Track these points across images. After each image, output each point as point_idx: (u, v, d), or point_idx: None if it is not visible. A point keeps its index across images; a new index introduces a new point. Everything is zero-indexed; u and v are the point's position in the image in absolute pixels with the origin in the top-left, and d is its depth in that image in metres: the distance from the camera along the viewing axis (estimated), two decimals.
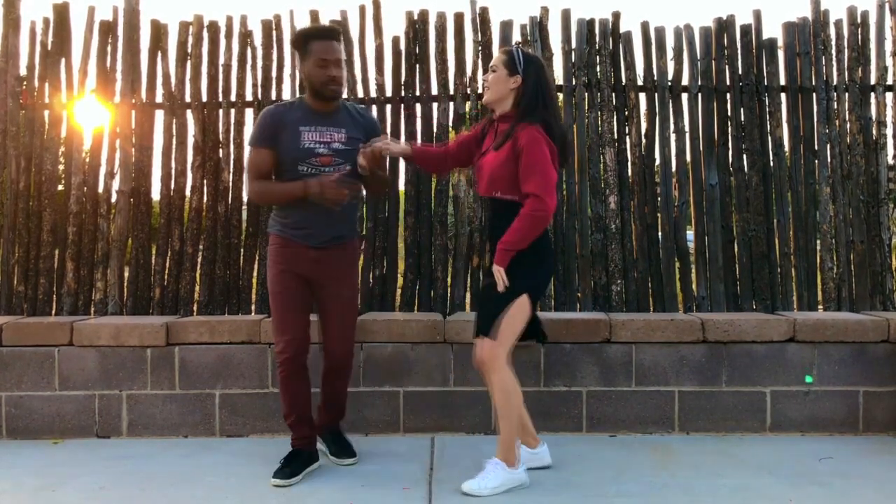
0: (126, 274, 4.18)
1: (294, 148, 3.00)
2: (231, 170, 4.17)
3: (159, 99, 4.23)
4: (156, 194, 4.24)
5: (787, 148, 4.20)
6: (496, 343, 2.84)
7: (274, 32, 4.20)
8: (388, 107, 4.16)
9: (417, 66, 4.18)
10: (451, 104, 4.17)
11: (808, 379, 3.60)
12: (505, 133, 2.87)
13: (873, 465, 3.15)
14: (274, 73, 4.19)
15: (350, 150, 3.05)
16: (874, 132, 4.17)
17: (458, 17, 4.16)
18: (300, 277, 3.06)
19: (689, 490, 2.86)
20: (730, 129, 4.17)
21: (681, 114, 4.17)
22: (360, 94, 4.17)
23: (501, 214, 2.88)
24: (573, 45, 4.19)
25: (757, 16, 4.22)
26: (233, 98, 4.20)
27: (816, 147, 4.15)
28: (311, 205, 2.96)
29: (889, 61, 4.22)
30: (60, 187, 4.28)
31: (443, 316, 3.80)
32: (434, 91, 4.17)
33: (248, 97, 4.20)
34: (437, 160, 3.18)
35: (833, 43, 4.19)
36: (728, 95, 4.18)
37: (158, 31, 4.23)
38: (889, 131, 4.20)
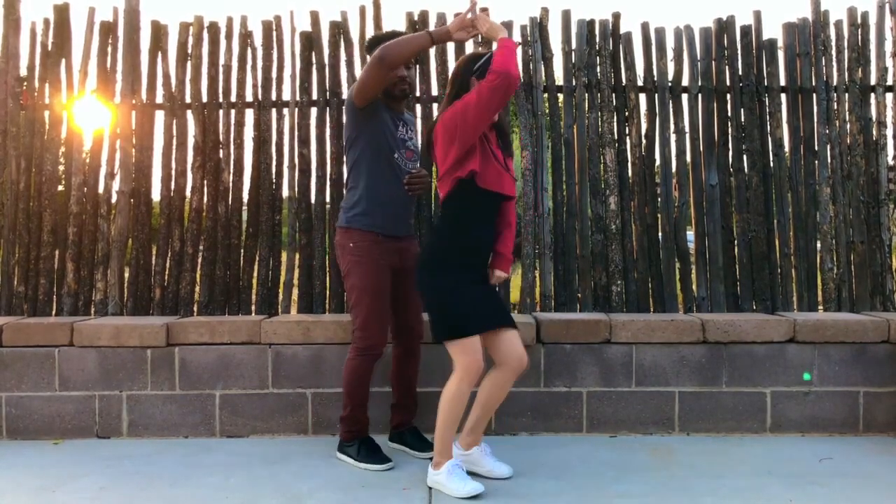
0: (126, 274, 4.18)
1: (391, 133, 3.17)
2: (231, 170, 4.17)
3: (159, 99, 4.23)
4: (156, 195, 4.24)
5: (787, 148, 4.20)
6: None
7: (274, 33, 4.20)
8: None
9: (417, 66, 4.18)
10: None
11: (807, 376, 3.60)
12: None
13: (873, 466, 3.15)
14: (274, 74, 4.19)
15: (418, 151, 3.31)
16: (874, 133, 4.17)
17: None
18: (389, 270, 3.20)
19: (689, 490, 2.86)
20: (730, 129, 4.17)
21: (681, 114, 4.17)
22: None
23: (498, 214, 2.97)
24: (573, 45, 4.19)
25: (757, 16, 4.22)
26: (233, 99, 4.21)
27: (816, 148, 4.15)
28: (399, 199, 3.22)
29: (889, 62, 4.22)
30: (61, 188, 4.29)
31: None
32: (434, 91, 4.17)
33: (249, 98, 4.20)
34: None
35: (833, 43, 4.20)
36: (728, 96, 4.18)
37: (159, 32, 4.24)
38: (889, 132, 4.20)
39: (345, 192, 3.34)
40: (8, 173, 4.17)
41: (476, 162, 2.80)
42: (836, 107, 4.17)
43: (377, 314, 3.15)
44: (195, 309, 4.12)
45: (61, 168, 4.36)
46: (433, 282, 2.88)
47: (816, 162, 4.15)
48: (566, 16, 4.20)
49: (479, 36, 3.04)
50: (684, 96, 4.19)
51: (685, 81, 4.18)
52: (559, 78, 4.25)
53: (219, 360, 3.66)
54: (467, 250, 2.91)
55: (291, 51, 4.18)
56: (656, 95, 4.17)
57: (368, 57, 3.23)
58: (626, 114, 4.16)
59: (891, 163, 4.27)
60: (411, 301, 3.31)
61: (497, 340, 2.90)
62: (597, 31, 4.19)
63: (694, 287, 4.14)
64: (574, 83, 4.18)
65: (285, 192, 4.19)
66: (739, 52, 4.18)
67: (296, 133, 4.15)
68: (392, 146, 3.19)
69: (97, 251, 4.14)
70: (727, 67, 4.19)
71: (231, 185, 4.17)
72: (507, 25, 4.17)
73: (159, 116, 4.23)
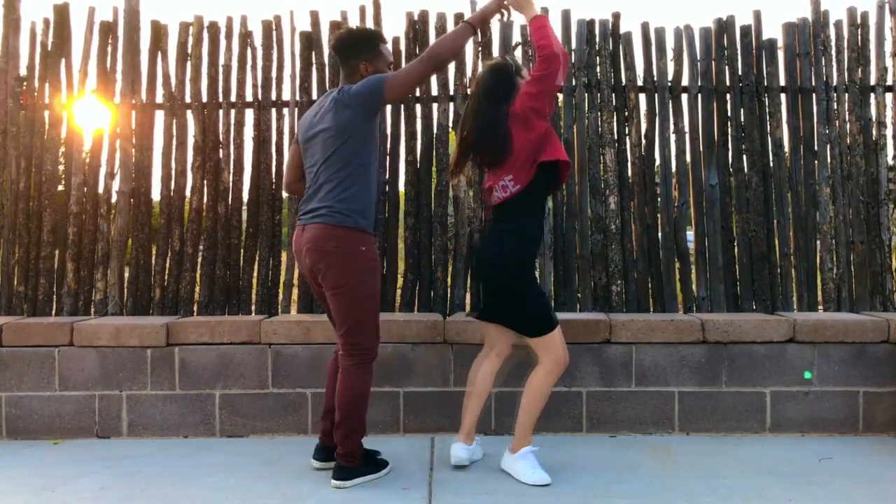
0: (126, 274, 4.18)
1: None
2: (231, 170, 4.18)
3: (159, 99, 4.23)
4: (156, 195, 4.25)
5: (786, 148, 4.20)
6: None
7: (274, 33, 4.20)
8: (389, 107, 4.16)
9: None
10: (452, 105, 4.17)
11: (807, 375, 3.60)
12: None
13: (873, 466, 3.15)
14: (274, 74, 4.19)
15: None
16: (874, 133, 4.17)
17: (458, 18, 4.16)
18: None
19: (688, 490, 2.86)
20: (730, 129, 4.17)
21: (681, 114, 4.17)
22: None
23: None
24: (573, 45, 4.19)
25: (757, 16, 4.22)
26: (233, 99, 4.21)
27: (816, 148, 4.15)
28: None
29: (889, 62, 4.22)
30: (61, 188, 4.29)
31: (443, 316, 3.80)
32: (434, 91, 4.17)
33: (248, 98, 4.21)
34: None
35: (833, 43, 4.20)
36: (728, 96, 4.18)
37: (158, 32, 4.24)
38: (889, 132, 4.20)
39: (333, 188, 2.90)
40: (8, 173, 4.17)
41: (561, 149, 2.94)
42: (835, 107, 4.17)
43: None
44: (195, 309, 4.12)
45: (61, 168, 4.36)
46: (525, 280, 2.97)
47: (816, 162, 4.15)
48: (566, 15, 4.20)
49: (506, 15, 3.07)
50: (684, 96, 4.19)
51: (685, 81, 4.18)
52: None
53: (219, 360, 3.66)
54: (538, 240, 3.04)
55: (291, 51, 4.19)
56: (656, 95, 4.17)
57: (336, 54, 3.05)
58: (626, 114, 4.16)
59: (890, 163, 4.27)
60: None
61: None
62: (597, 31, 4.19)
63: (694, 287, 4.14)
64: (574, 83, 4.18)
65: (285, 192, 4.18)
66: (739, 52, 4.18)
67: (296, 133, 4.15)
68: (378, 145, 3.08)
69: (97, 251, 4.14)
70: (727, 67, 4.19)
71: (231, 185, 4.17)
72: (507, 26, 4.17)
73: (159, 116, 4.23)
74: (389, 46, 3.15)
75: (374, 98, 2.89)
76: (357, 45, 3.01)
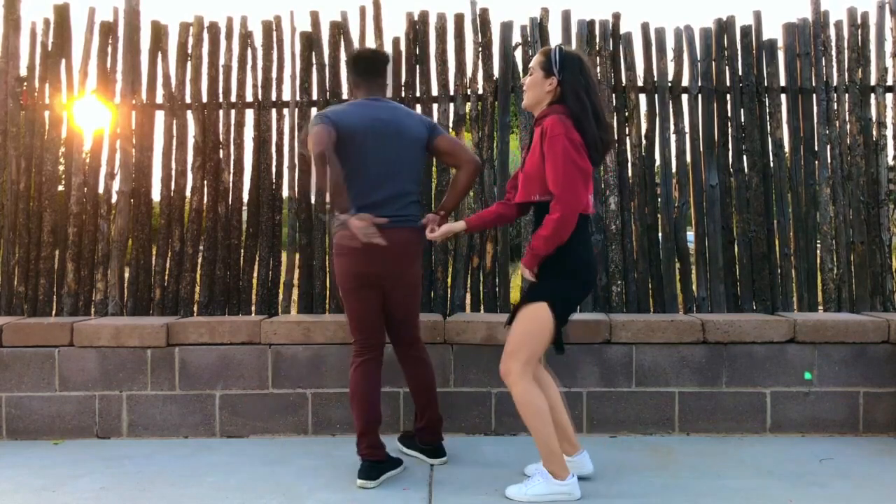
0: (126, 274, 4.18)
1: None
2: (231, 171, 4.18)
3: (160, 100, 4.23)
4: (156, 195, 4.25)
5: (787, 149, 4.20)
6: (508, 355, 2.77)
7: (274, 33, 4.20)
8: None
9: (418, 67, 4.19)
10: (452, 105, 4.17)
11: (808, 375, 3.60)
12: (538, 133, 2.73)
13: (873, 466, 3.15)
14: (274, 74, 4.19)
15: None
16: (874, 133, 4.17)
17: (459, 19, 4.16)
18: None
19: (689, 491, 2.86)
20: (730, 129, 4.18)
21: (681, 115, 4.17)
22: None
23: (543, 217, 2.75)
24: (573, 45, 4.19)
25: (757, 17, 4.22)
26: (233, 99, 4.21)
27: (816, 148, 4.15)
28: None
29: (889, 62, 4.22)
30: (61, 188, 4.29)
31: (443, 316, 3.80)
32: (434, 92, 4.17)
33: (249, 98, 4.21)
34: (497, 218, 3.01)
35: (833, 44, 4.20)
36: (728, 96, 4.18)
37: (159, 32, 4.24)
38: (889, 132, 4.20)
39: (412, 190, 3.08)
40: (8, 173, 4.17)
41: None
42: (836, 107, 4.17)
43: None
44: (195, 309, 4.12)
45: (61, 168, 4.36)
46: None
47: (816, 162, 4.15)
48: (566, 16, 4.20)
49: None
50: (684, 97, 4.19)
51: (685, 82, 4.18)
52: None
53: (219, 361, 3.66)
54: None
55: (291, 51, 4.19)
56: (656, 96, 4.17)
57: (349, 73, 3.15)
58: (626, 114, 4.16)
59: (891, 163, 4.27)
60: None
61: None
62: (597, 32, 4.19)
63: (694, 287, 4.14)
64: None
65: (285, 192, 4.19)
66: (739, 52, 4.18)
67: (296, 133, 4.15)
68: None
69: (97, 251, 4.14)
70: (727, 68, 4.19)
71: (231, 185, 4.17)
72: (507, 26, 4.17)
73: (159, 116, 4.23)
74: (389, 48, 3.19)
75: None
76: (358, 64, 3.10)
